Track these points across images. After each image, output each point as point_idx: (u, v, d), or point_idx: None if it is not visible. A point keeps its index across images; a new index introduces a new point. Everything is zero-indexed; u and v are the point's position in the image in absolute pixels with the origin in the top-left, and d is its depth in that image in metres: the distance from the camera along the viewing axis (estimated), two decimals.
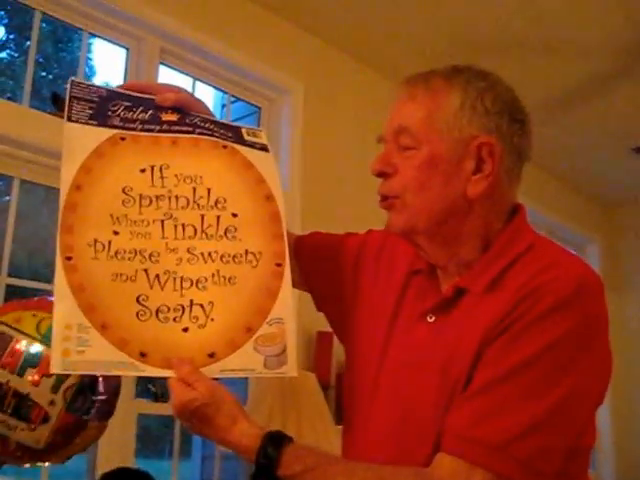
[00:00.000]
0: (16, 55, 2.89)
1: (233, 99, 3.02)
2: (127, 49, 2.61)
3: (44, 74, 2.97)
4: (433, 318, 1.07)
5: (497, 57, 2.80)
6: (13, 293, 2.25)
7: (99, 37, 2.58)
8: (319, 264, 1.28)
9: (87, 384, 1.26)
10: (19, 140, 2.21)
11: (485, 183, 1.03)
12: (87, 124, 1.10)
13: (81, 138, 1.09)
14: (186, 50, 2.71)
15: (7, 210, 2.26)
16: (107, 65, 2.85)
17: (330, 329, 1.32)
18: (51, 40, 3.01)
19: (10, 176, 2.28)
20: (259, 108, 3.07)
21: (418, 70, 1.10)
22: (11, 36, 2.87)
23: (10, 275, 2.21)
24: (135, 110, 1.14)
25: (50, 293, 1.05)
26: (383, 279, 1.19)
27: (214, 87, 2.96)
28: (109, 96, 1.15)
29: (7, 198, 2.31)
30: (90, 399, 1.27)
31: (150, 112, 1.15)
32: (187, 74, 2.79)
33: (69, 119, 1.10)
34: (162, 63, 2.67)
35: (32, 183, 2.31)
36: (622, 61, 3.21)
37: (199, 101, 1.21)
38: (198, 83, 2.84)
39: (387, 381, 1.09)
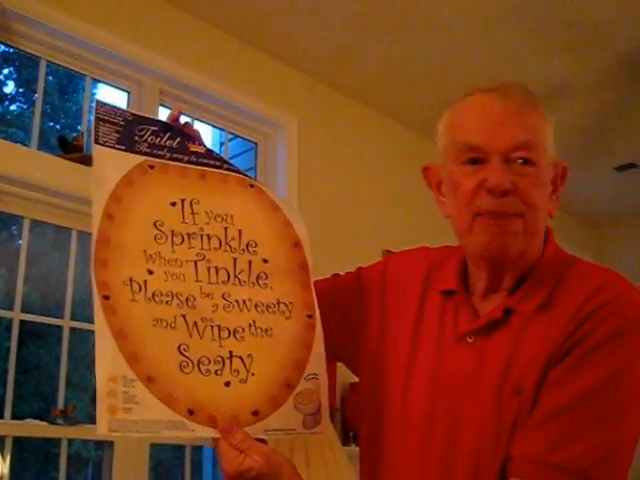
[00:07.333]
0: (25, 107, 2.91)
1: (231, 136, 3.02)
2: (128, 92, 2.61)
3: (51, 124, 2.99)
4: (472, 339, 0.99)
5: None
6: (28, 331, 2.25)
7: (101, 82, 2.59)
8: (334, 310, 1.13)
9: None
10: (28, 181, 2.22)
11: (557, 204, 1.02)
12: (114, 148, 1.01)
13: (110, 163, 1.00)
14: (184, 91, 2.72)
15: (19, 251, 2.26)
16: None
17: None
18: (57, 91, 3.03)
19: (21, 216, 2.28)
20: (256, 144, 3.07)
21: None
22: (20, 89, 2.89)
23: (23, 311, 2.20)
24: (162, 136, 1.06)
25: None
26: (393, 303, 1.12)
27: (212, 125, 2.96)
28: (134, 120, 1.06)
29: (20, 242, 2.31)
30: None
31: (178, 140, 1.07)
32: (185, 114, 2.79)
33: (97, 141, 1.00)
34: (162, 104, 2.67)
35: (42, 223, 2.30)
36: (606, 85, 3.22)
37: None
38: (196, 122, 2.84)
39: (420, 405, 1.00)
